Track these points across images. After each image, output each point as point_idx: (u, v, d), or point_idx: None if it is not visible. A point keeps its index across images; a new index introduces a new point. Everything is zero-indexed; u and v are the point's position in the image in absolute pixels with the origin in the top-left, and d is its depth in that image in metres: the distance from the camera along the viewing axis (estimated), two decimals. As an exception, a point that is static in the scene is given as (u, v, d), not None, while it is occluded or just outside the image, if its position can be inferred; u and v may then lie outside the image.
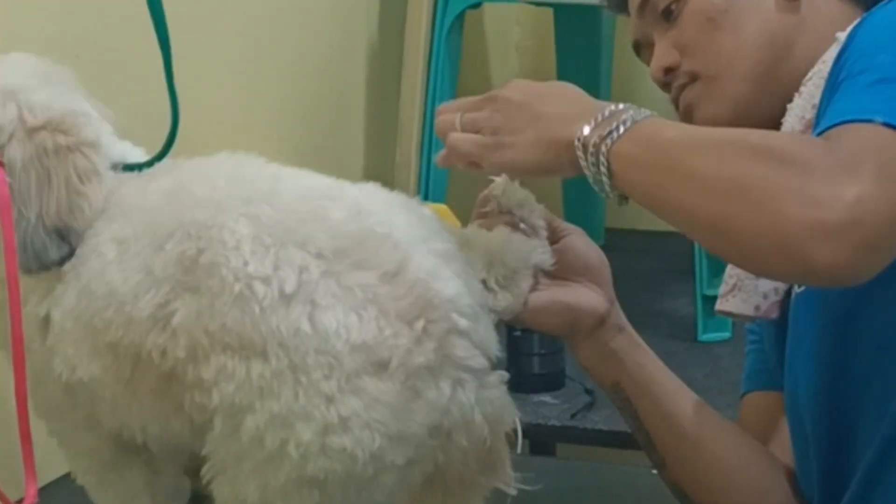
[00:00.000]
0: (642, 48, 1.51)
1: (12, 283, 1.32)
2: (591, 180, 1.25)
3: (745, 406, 1.58)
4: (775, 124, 1.40)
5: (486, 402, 1.30)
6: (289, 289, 1.23)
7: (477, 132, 1.32)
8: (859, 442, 1.37)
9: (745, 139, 1.20)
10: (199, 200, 1.31)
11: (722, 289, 1.49)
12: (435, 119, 1.37)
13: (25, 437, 1.34)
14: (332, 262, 1.25)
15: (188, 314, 1.26)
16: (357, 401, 1.22)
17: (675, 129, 1.24)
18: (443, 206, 2.35)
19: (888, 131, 1.18)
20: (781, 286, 1.46)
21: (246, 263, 1.25)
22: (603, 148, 1.22)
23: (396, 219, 1.31)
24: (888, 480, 1.34)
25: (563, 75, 3.30)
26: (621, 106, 1.26)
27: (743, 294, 1.47)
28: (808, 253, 1.13)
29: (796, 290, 1.44)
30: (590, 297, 1.43)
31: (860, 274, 1.16)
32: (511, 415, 1.34)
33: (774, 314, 1.47)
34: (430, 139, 2.86)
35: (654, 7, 1.47)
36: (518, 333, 2.28)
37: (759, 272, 1.21)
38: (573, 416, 2.27)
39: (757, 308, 1.47)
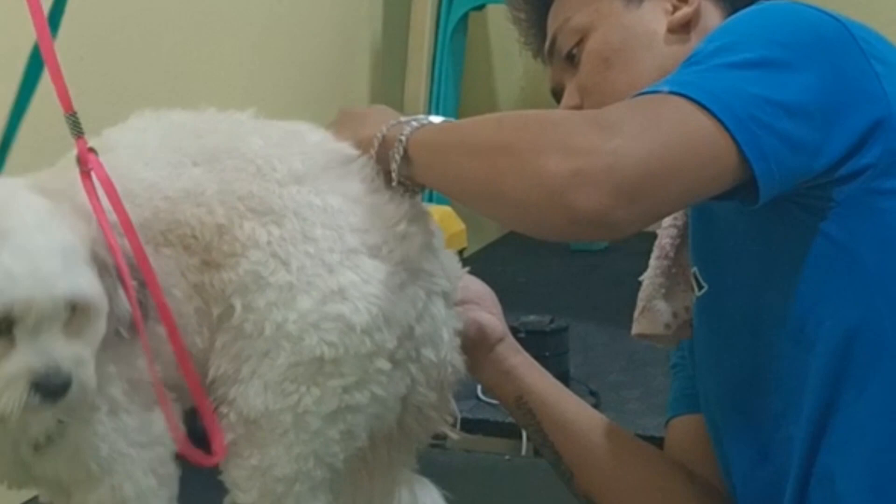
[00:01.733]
0: (560, 94, 1.54)
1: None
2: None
3: (671, 431, 1.60)
4: None
5: (451, 326, 1.40)
6: (300, 169, 1.36)
7: None
8: (779, 443, 1.37)
9: (526, 113, 1.29)
10: (195, 120, 1.41)
11: (635, 313, 1.52)
12: None
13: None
14: (323, 167, 1.37)
15: (220, 187, 1.36)
16: (354, 275, 1.33)
17: (470, 119, 1.33)
18: (446, 209, 2.36)
19: (670, 97, 1.22)
20: (689, 304, 1.47)
21: (260, 146, 1.37)
22: (402, 137, 1.32)
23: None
24: (821, 476, 1.33)
25: (566, 77, 3.30)
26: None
27: (651, 314, 1.50)
28: (569, 201, 1.17)
29: (696, 294, 1.45)
30: (490, 317, 1.54)
31: (620, 222, 1.19)
32: (460, 362, 1.42)
33: (688, 334, 1.50)
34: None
35: (559, 53, 1.51)
36: (523, 335, 2.27)
37: (532, 229, 1.26)
38: (577, 417, 2.27)
39: (667, 326, 1.50)
